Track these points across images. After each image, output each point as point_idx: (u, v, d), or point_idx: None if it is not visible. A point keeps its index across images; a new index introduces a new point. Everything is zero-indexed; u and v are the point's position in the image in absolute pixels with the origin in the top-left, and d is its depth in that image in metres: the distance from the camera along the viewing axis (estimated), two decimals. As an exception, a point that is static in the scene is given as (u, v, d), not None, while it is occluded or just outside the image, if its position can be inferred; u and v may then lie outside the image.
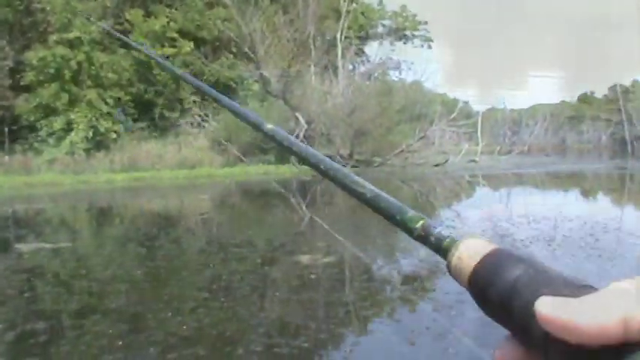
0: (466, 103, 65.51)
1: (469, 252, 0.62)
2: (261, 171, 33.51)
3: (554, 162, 44.06)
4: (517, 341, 0.55)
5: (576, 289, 0.52)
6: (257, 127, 1.12)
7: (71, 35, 33.77)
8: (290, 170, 33.30)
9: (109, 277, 9.00)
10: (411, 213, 0.74)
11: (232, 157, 35.72)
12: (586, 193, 23.76)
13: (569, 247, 10.14)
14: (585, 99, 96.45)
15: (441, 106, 47.67)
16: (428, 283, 8.25)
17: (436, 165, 36.77)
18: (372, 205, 0.80)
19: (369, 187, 0.82)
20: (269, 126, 1.07)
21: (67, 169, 32.01)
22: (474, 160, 40.64)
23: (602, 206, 18.83)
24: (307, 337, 5.89)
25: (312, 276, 8.68)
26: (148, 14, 38.35)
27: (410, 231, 0.72)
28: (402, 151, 37.24)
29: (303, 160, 0.97)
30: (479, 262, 0.60)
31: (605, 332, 0.45)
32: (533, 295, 0.53)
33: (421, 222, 0.72)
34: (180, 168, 33.48)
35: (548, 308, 0.48)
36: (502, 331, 0.55)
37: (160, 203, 21.79)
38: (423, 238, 0.70)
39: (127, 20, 37.77)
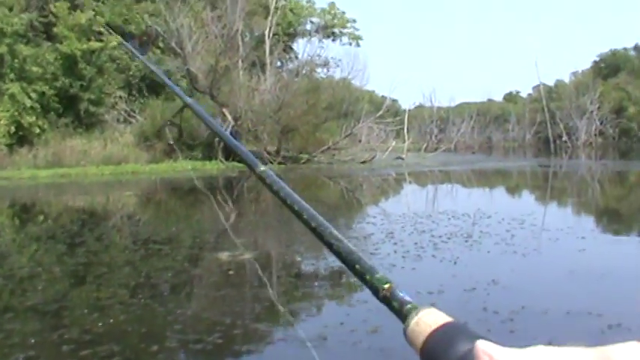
0: (394, 100, 66.26)
1: (426, 321, 0.68)
2: (187, 167, 33.39)
3: (479, 160, 44.85)
4: None
5: None
6: (251, 167, 1.16)
7: (-8, 27, 33.00)
8: (217, 167, 33.32)
9: (26, 275, 8.99)
10: (380, 275, 0.80)
11: (159, 153, 35.46)
12: (507, 190, 24.45)
13: (486, 244, 10.47)
14: (511, 98, 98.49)
15: (368, 104, 48.08)
16: (345, 279, 8.48)
17: (363, 162, 37.11)
18: (345, 260, 0.87)
19: (345, 244, 0.88)
20: (262, 168, 1.13)
21: (-13, 165, 31.33)
22: (400, 157, 41.17)
23: (521, 203, 19.43)
24: (221, 333, 6.06)
25: (231, 272, 8.85)
26: (74, 7, 37.60)
27: (376, 291, 0.79)
28: (328, 148, 37.51)
29: (287, 206, 1.01)
30: (433, 331, 0.67)
31: None
32: None
33: (387, 285, 0.78)
34: (106, 164, 33.09)
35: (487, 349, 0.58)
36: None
37: (85, 200, 21.58)
38: (387, 300, 0.77)
39: (51, 13, 37.02)
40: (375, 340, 5.70)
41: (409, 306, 0.74)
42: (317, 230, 0.93)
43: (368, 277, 0.82)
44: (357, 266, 0.84)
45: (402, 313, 0.74)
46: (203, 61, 36.26)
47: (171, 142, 34.40)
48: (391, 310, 0.76)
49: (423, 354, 0.66)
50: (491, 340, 0.62)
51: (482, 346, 0.59)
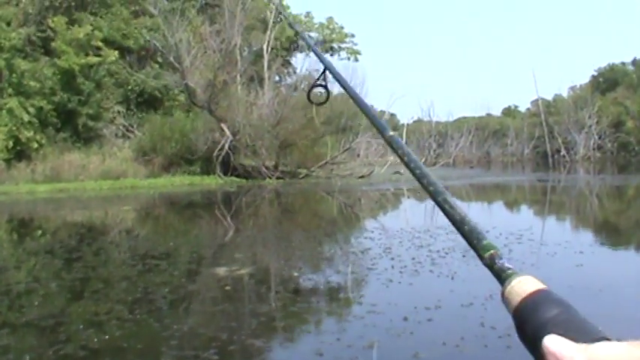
0: (393, 115, 66.38)
1: (521, 286, 0.76)
2: (186, 182, 33.37)
3: (478, 174, 44.81)
4: None
5: (596, 338, 0.64)
6: (380, 132, 1.33)
7: (-10, 41, 33.05)
8: (215, 181, 33.31)
9: (23, 290, 8.97)
10: (486, 241, 0.89)
11: (157, 167, 35.46)
12: (505, 205, 24.43)
13: (483, 259, 10.39)
14: (509, 113, 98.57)
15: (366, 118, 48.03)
16: (341, 294, 8.45)
17: (361, 177, 37.14)
18: (457, 225, 0.95)
19: (458, 209, 0.97)
20: (390, 133, 1.27)
21: (-15, 180, 31.29)
22: (398, 172, 41.11)
23: (519, 217, 19.38)
24: (217, 349, 6.02)
25: (227, 288, 8.82)
26: (71, 22, 37.68)
27: (480, 256, 0.87)
28: (327, 162, 37.51)
29: (410, 170, 1.12)
30: (526, 297, 0.74)
31: None
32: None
33: (491, 251, 0.87)
34: (104, 179, 33.07)
35: (554, 346, 0.63)
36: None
37: (83, 214, 21.53)
38: (489, 265, 0.85)
39: (50, 28, 37.07)
40: (371, 355, 5.67)
41: (508, 272, 0.81)
42: (434, 195, 1.02)
43: (475, 242, 0.90)
44: (466, 231, 0.93)
45: (501, 278, 0.81)
46: (201, 76, 36.32)
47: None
48: (492, 274, 0.84)
49: (516, 317, 0.74)
50: (573, 308, 0.70)
51: (549, 343, 0.64)
